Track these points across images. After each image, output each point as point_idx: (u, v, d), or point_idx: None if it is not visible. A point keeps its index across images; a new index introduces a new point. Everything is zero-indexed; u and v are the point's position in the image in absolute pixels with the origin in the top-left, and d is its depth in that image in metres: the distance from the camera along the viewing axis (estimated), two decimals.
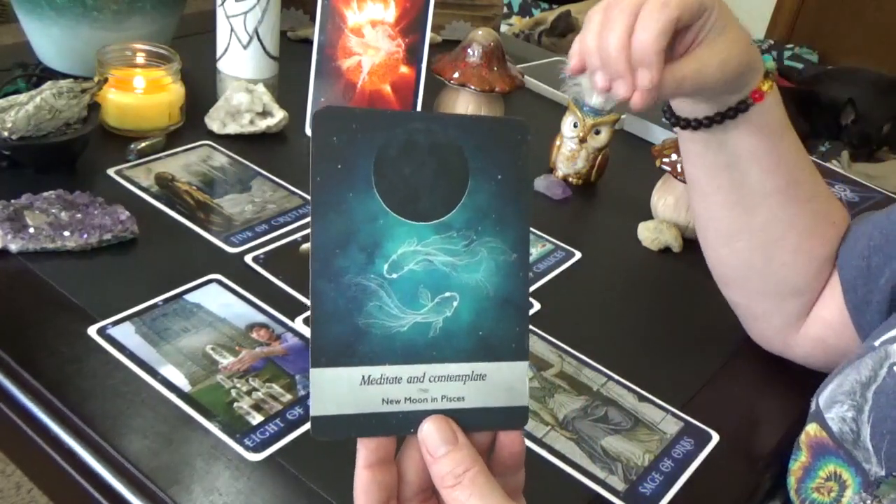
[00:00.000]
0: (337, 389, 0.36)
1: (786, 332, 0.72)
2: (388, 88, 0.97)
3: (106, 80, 0.87)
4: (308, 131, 0.97)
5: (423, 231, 0.37)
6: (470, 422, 0.38)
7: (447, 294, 0.37)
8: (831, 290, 0.70)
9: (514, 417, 0.39)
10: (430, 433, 0.37)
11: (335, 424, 0.36)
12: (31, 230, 0.72)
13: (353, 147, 0.35)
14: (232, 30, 0.96)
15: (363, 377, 0.36)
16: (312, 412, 0.36)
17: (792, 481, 0.61)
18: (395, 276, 0.36)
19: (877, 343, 0.58)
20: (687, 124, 0.66)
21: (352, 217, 0.35)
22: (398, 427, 0.37)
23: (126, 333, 0.66)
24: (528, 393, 0.39)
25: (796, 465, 0.61)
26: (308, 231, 0.81)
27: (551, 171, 1.01)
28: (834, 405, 0.58)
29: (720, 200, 0.69)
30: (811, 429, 0.60)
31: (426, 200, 0.37)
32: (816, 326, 0.71)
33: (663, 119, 0.68)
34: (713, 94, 0.63)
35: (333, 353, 0.35)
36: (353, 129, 0.35)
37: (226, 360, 0.65)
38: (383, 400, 0.37)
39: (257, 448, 0.58)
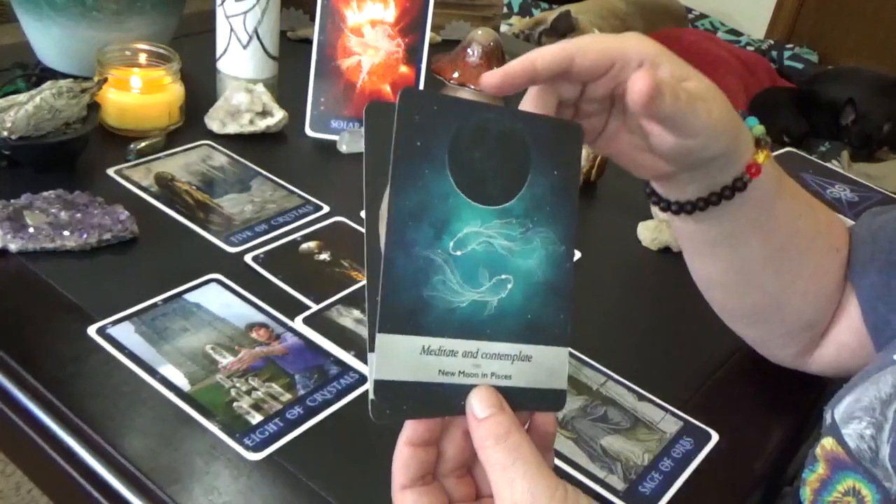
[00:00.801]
0: (399, 356, 0.37)
1: (800, 359, 0.70)
2: (387, 88, 0.97)
3: (105, 80, 0.87)
4: (308, 132, 0.97)
5: (486, 214, 0.39)
6: (515, 399, 0.39)
7: (503, 276, 0.39)
8: (846, 312, 0.66)
9: (553, 399, 0.41)
10: (477, 397, 0.38)
11: (395, 391, 0.37)
12: (31, 230, 0.72)
13: (433, 128, 0.37)
14: (231, 30, 0.96)
15: (423, 347, 0.37)
16: (376, 376, 0.36)
17: (807, 492, 0.59)
18: (458, 253, 0.38)
19: None
20: (680, 209, 0.57)
21: (426, 193, 0.37)
22: (450, 401, 0.38)
23: (126, 333, 0.66)
24: (567, 377, 0.41)
25: (812, 476, 0.59)
26: (307, 231, 0.82)
27: None
28: (852, 421, 0.55)
29: (721, 268, 0.64)
30: (827, 443, 0.57)
31: (491, 186, 0.39)
32: (832, 348, 0.68)
33: (648, 195, 0.60)
34: (699, 156, 0.52)
35: (399, 321, 0.37)
36: (434, 111, 0.37)
37: (225, 360, 0.65)
38: (440, 371, 0.38)
39: (257, 447, 0.58)
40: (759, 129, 0.56)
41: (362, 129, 0.36)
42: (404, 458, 0.39)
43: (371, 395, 0.36)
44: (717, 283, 0.66)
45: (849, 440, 0.55)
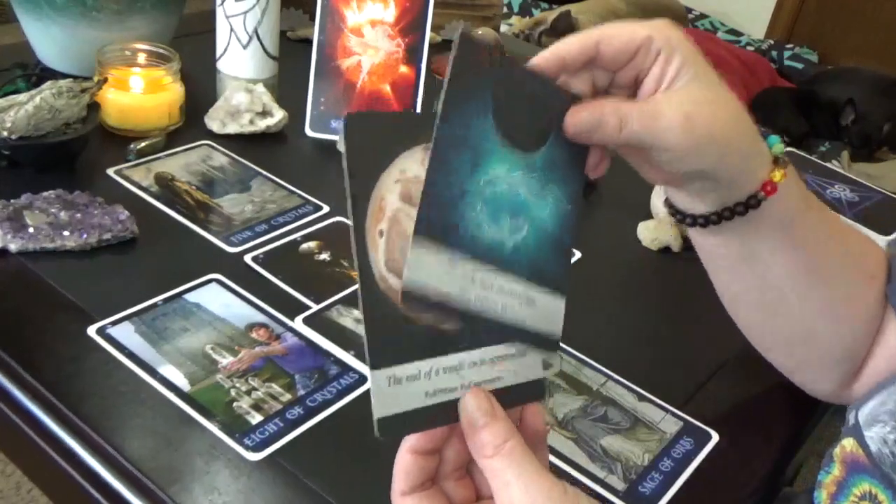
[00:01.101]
0: (434, 269, 0.38)
1: (839, 392, 0.66)
2: (387, 88, 0.97)
3: (105, 80, 0.87)
4: (308, 132, 0.97)
5: (514, 162, 0.42)
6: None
7: (521, 220, 0.42)
8: (885, 340, 0.63)
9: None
10: (471, 405, 0.39)
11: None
12: (31, 230, 0.72)
13: (481, 79, 0.40)
14: (231, 30, 0.96)
15: (448, 259, 0.39)
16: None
17: (823, 496, 0.58)
18: (488, 190, 0.41)
19: None
20: (693, 221, 0.56)
21: (470, 131, 0.40)
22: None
23: (126, 333, 0.66)
24: (561, 330, 0.45)
25: (828, 478, 0.58)
26: (307, 231, 0.82)
27: None
28: (875, 424, 0.54)
29: (746, 288, 0.61)
30: (847, 443, 0.56)
31: (521, 137, 0.42)
32: (870, 379, 0.64)
33: (666, 207, 0.59)
34: (692, 173, 0.51)
35: (439, 232, 0.39)
36: (484, 67, 0.40)
37: (225, 360, 0.65)
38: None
39: (257, 447, 0.58)
40: (779, 147, 0.54)
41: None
42: (406, 465, 0.39)
43: (374, 426, 0.38)
44: (741, 302, 0.63)
45: (871, 443, 0.54)
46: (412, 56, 0.96)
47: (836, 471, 0.57)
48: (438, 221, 0.39)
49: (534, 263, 0.43)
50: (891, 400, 0.54)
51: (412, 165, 0.38)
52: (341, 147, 0.37)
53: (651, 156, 0.49)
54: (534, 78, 0.44)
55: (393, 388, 0.38)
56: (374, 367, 0.37)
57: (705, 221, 0.55)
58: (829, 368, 0.64)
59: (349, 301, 0.73)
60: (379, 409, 0.37)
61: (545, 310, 0.44)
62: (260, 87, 0.97)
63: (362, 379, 0.65)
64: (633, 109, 0.46)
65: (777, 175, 0.53)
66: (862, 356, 0.64)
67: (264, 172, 0.90)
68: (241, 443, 0.58)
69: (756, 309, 0.63)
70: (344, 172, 0.37)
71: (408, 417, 0.38)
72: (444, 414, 0.39)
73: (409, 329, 0.38)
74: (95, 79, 0.87)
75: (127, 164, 0.87)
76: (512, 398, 0.41)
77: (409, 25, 0.95)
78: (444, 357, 0.39)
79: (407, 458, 0.39)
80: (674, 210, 0.57)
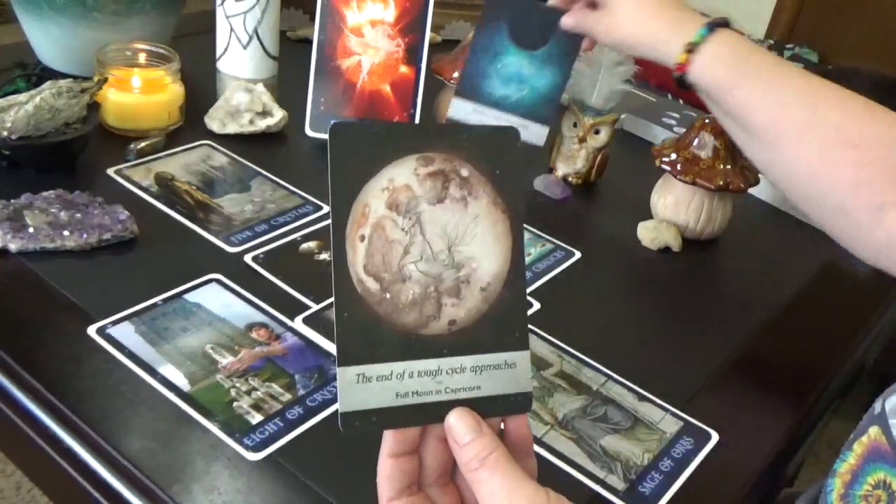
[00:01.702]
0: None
1: (878, 237, 0.64)
2: (387, 88, 0.97)
3: (105, 80, 0.87)
4: (308, 132, 0.97)
5: (522, 55, 0.84)
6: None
7: (523, 86, 0.78)
8: None
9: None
10: (457, 423, 0.39)
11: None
12: (31, 230, 0.72)
13: (502, 10, 0.83)
14: (231, 30, 0.96)
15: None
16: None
17: (838, 483, 0.59)
18: (502, 70, 0.84)
19: None
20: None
21: (493, 39, 0.83)
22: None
23: (126, 333, 0.66)
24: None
25: (843, 466, 0.59)
26: (307, 231, 0.82)
27: (551, 170, 1.01)
28: None
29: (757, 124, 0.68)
30: (873, 432, 0.57)
31: (526, 42, 0.83)
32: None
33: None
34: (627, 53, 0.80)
35: (470, 91, 0.68)
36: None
37: (225, 360, 0.65)
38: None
39: (257, 447, 0.58)
40: (699, 35, 0.69)
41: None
42: (388, 470, 0.40)
43: (339, 417, 0.38)
44: (769, 133, 0.69)
45: (894, 430, 0.55)
46: (412, 56, 0.96)
47: (852, 459, 0.58)
48: (470, 87, 0.84)
49: (529, 110, 0.85)
50: None
51: (403, 174, 0.40)
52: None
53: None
54: (540, 7, 0.80)
55: (362, 385, 0.39)
56: (341, 363, 0.38)
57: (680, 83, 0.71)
58: (852, 195, 0.63)
59: None
60: (344, 404, 0.38)
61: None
62: (260, 87, 0.97)
63: None
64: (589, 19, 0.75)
65: (682, 57, 0.69)
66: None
67: (264, 172, 0.90)
68: (241, 443, 0.58)
69: (780, 139, 0.68)
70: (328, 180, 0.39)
71: (376, 415, 0.39)
72: (416, 415, 0.40)
73: (385, 331, 0.39)
74: (95, 79, 0.87)
75: (127, 164, 0.87)
76: (494, 408, 0.41)
77: (409, 25, 0.95)
78: (422, 361, 0.40)
79: (388, 463, 0.40)
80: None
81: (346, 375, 0.39)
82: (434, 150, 0.41)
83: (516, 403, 0.42)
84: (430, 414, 0.40)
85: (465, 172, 0.41)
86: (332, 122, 0.39)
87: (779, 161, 0.68)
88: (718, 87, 0.69)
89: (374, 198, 0.39)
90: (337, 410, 0.39)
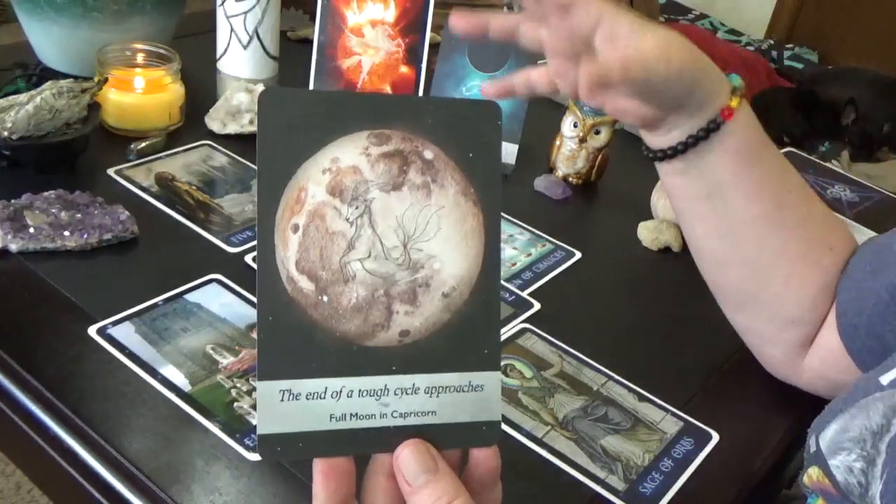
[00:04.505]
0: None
1: (789, 362, 0.70)
2: (387, 88, 0.97)
3: (106, 80, 0.87)
4: None
5: (483, 77, 0.90)
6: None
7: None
8: (831, 319, 0.66)
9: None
10: (408, 460, 0.33)
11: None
12: (31, 230, 0.72)
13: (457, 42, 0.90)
14: (232, 30, 0.96)
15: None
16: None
17: None
18: (466, 91, 0.92)
19: (884, 382, 0.52)
20: (664, 155, 0.64)
21: (454, 64, 0.92)
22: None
23: (126, 333, 0.66)
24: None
25: None
26: None
27: (551, 170, 1.01)
28: (840, 452, 0.52)
29: (707, 231, 0.67)
30: (814, 472, 0.54)
31: (485, 66, 0.92)
32: (817, 357, 0.68)
33: (644, 153, 0.67)
34: (672, 102, 0.60)
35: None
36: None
37: (226, 360, 0.65)
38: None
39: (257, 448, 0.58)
40: (738, 80, 0.62)
41: None
42: (318, 487, 0.34)
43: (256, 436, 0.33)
44: (704, 250, 0.69)
45: (836, 472, 0.51)
46: (412, 56, 0.96)
47: (820, 502, 0.54)
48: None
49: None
50: (853, 426, 0.51)
51: (350, 154, 0.33)
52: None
53: (640, 91, 0.58)
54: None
55: (288, 404, 0.33)
56: (262, 377, 0.32)
57: (673, 152, 0.63)
58: (780, 329, 0.68)
59: None
60: (263, 425, 0.32)
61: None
62: (260, 87, 0.97)
63: None
64: (629, 63, 0.56)
65: (734, 102, 0.60)
66: (811, 328, 0.67)
67: None
68: (241, 443, 0.58)
69: (716, 254, 0.68)
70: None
71: (303, 440, 0.33)
72: (354, 442, 0.33)
73: (319, 340, 0.33)
74: (96, 79, 0.87)
75: (127, 164, 0.87)
76: (453, 439, 0.35)
77: (410, 25, 0.95)
78: (364, 377, 0.34)
79: (317, 479, 0.34)
80: (650, 153, 0.66)
81: (267, 391, 0.32)
82: (391, 125, 0.34)
83: (480, 434, 0.35)
84: (371, 442, 0.34)
85: (428, 155, 0.34)
86: (262, 88, 0.34)
87: (767, 249, 0.65)
88: (748, 150, 0.62)
89: (313, 181, 0.32)
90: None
